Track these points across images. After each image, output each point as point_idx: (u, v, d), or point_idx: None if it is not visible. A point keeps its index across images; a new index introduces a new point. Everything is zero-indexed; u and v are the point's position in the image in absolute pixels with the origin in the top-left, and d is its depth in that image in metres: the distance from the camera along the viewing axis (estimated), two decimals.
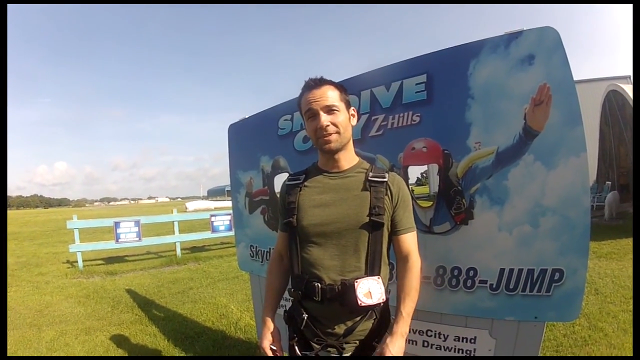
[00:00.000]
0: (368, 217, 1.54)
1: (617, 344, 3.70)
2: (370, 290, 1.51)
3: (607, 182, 14.30)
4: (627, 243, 7.81)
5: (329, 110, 1.56)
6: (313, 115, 1.57)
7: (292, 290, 1.65)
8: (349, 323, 1.57)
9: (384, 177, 1.61)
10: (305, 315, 1.60)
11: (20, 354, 4.24)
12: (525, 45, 1.76)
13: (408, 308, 1.56)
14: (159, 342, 4.39)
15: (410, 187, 2.10)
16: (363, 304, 1.49)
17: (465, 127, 1.91)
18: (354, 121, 1.68)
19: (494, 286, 1.87)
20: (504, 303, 1.86)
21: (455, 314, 2.03)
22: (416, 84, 2.09)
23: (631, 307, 4.54)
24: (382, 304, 1.58)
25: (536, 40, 1.73)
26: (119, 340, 4.54)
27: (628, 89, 12.37)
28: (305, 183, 1.68)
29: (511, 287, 1.83)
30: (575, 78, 1.69)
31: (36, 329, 5.02)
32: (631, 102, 11.49)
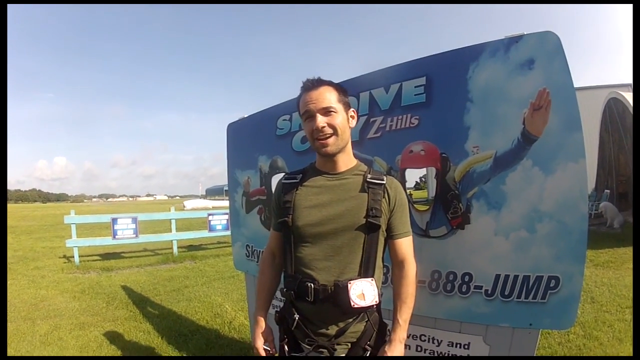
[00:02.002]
0: (365, 219, 1.53)
1: (612, 353, 3.70)
2: (363, 292, 1.50)
3: (606, 190, 14.29)
4: (625, 252, 7.80)
5: (326, 111, 1.54)
6: (310, 116, 1.56)
7: (285, 290, 1.64)
8: (341, 324, 1.56)
9: (382, 180, 1.60)
10: (297, 316, 1.59)
11: (14, 346, 4.23)
12: (526, 50, 1.74)
13: (405, 315, 1.57)
14: (152, 340, 4.38)
15: (408, 190, 2.08)
16: (356, 306, 1.48)
17: (464, 131, 1.90)
18: (352, 123, 1.66)
19: (489, 292, 1.86)
20: (498, 309, 1.84)
21: (450, 319, 2.01)
22: (415, 87, 2.07)
23: (627, 316, 4.55)
24: (374, 307, 1.57)
25: (537, 44, 1.72)
26: (113, 336, 4.52)
27: (629, 97, 12.36)
28: (302, 183, 1.66)
29: (506, 293, 1.82)
30: (577, 85, 1.68)
31: (30, 323, 5.01)
32: (632, 110, 11.48)
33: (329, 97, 1.55)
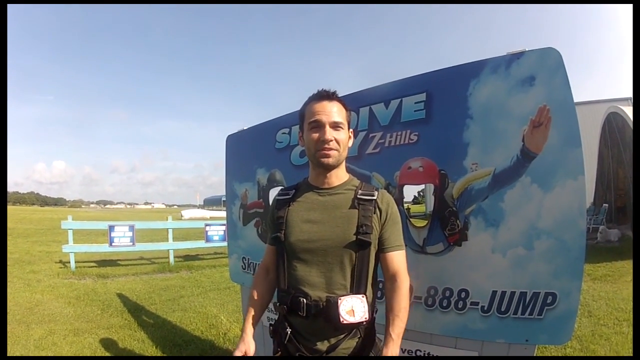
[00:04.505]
0: (355, 236, 1.53)
1: None
2: (353, 308, 1.49)
3: (604, 205, 14.27)
4: (622, 265, 7.80)
5: (336, 126, 1.56)
6: (318, 126, 1.56)
7: (278, 304, 1.64)
8: (333, 340, 1.54)
9: (373, 195, 1.60)
10: (289, 330, 1.58)
11: (8, 349, 4.20)
12: (527, 66, 1.75)
13: (397, 329, 1.52)
14: (146, 349, 4.36)
15: (406, 205, 2.08)
16: (345, 322, 1.47)
17: (463, 148, 1.90)
18: (350, 142, 1.68)
19: (486, 308, 1.85)
20: (494, 325, 1.84)
21: (445, 335, 2.00)
22: (415, 103, 2.08)
23: (624, 329, 4.54)
24: (365, 323, 1.55)
25: (538, 61, 1.73)
26: (107, 343, 4.51)
27: (628, 111, 12.38)
28: (295, 198, 1.67)
29: (503, 309, 1.81)
30: (576, 99, 1.69)
31: (25, 327, 4.99)
32: (631, 124, 11.50)
33: (340, 112, 1.58)
